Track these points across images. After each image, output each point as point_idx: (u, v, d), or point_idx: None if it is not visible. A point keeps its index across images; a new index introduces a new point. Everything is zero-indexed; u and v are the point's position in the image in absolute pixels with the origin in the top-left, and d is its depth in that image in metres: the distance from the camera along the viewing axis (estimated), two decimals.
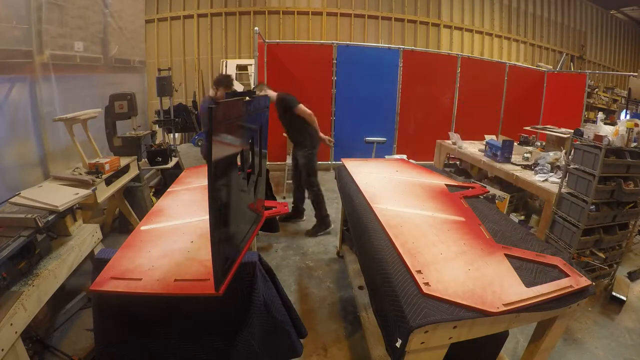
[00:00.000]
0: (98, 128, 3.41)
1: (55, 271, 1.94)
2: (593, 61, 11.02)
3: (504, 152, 3.78)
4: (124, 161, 3.27)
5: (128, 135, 3.64)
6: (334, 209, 4.48)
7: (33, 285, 1.75)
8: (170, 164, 4.04)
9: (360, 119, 6.23)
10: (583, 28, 10.80)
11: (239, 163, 1.66)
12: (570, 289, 1.34)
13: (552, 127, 4.91)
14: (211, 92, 3.53)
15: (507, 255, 1.54)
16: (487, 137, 4.30)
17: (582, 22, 10.78)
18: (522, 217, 3.95)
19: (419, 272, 1.39)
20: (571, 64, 10.66)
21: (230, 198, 1.44)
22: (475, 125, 6.44)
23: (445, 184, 2.49)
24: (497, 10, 9.73)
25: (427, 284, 1.31)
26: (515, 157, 3.85)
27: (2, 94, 2.50)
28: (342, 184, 2.70)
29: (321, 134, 3.85)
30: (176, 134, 6.31)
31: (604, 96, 8.76)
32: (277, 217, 3.12)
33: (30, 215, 1.94)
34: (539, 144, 4.88)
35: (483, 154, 4.12)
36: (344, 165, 2.90)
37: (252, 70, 7.56)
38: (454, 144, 4.71)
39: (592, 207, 2.59)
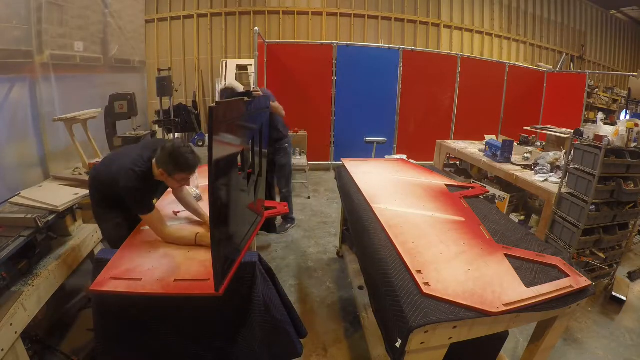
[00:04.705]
0: (98, 128, 3.41)
1: (55, 271, 1.94)
2: (593, 61, 11.01)
3: (504, 152, 3.78)
4: None
5: (128, 135, 3.64)
6: (334, 209, 4.48)
7: (33, 286, 1.75)
8: None
9: (360, 119, 6.23)
10: (583, 28, 10.80)
11: (239, 163, 1.66)
12: (570, 289, 1.34)
13: (552, 127, 4.90)
14: None
15: (507, 255, 1.54)
16: (487, 137, 4.30)
17: (582, 22, 10.77)
18: (522, 217, 3.95)
19: (419, 272, 1.39)
20: (571, 64, 10.65)
21: (231, 198, 1.44)
22: (475, 125, 6.44)
23: (445, 184, 2.49)
24: (497, 10, 9.72)
25: (427, 284, 1.31)
26: (515, 157, 3.85)
27: (2, 94, 2.50)
28: (342, 184, 2.70)
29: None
30: (176, 134, 6.31)
31: (604, 96, 8.75)
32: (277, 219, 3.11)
33: (30, 215, 1.94)
34: (539, 144, 4.88)
35: (483, 154, 4.12)
36: (344, 165, 2.90)
37: (252, 70, 7.56)
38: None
39: (592, 207, 2.59)
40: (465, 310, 1.21)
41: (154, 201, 2.03)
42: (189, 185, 1.94)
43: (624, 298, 2.76)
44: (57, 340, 2.19)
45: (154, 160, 1.76)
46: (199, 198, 2.25)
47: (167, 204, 2.20)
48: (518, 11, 9.94)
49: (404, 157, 4.03)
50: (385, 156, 4.13)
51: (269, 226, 3.02)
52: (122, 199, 1.75)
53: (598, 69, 10.87)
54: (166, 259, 1.56)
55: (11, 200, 2.14)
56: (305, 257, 3.39)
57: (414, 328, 1.14)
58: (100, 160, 2.15)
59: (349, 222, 2.41)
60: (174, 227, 1.80)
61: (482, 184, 4.01)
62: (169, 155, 1.68)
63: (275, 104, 3.38)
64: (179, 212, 2.09)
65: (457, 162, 5.02)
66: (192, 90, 8.49)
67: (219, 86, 7.98)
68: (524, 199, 4.08)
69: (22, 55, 2.72)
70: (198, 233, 1.69)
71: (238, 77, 8.15)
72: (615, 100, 8.70)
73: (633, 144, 2.49)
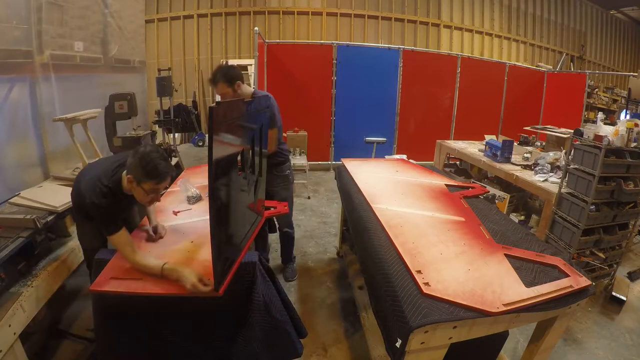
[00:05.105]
0: (98, 128, 3.40)
1: (54, 272, 1.93)
2: (593, 61, 11.01)
3: (504, 152, 3.78)
4: None
5: (128, 135, 3.63)
6: (334, 209, 4.48)
7: (32, 286, 1.75)
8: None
9: (360, 119, 6.23)
10: (583, 28, 10.80)
11: (239, 163, 1.66)
12: (570, 289, 1.34)
13: (552, 127, 4.90)
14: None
15: (507, 255, 1.54)
16: (487, 137, 4.30)
17: (582, 22, 10.77)
18: (522, 217, 3.95)
19: (419, 272, 1.39)
20: (571, 64, 10.66)
21: (231, 198, 1.44)
22: (475, 125, 6.44)
23: (445, 184, 2.49)
24: (497, 10, 9.72)
25: (427, 284, 1.31)
26: (515, 157, 3.85)
27: (2, 94, 2.50)
28: (342, 184, 2.70)
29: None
30: (176, 134, 6.31)
31: (604, 96, 8.75)
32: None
33: (30, 215, 1.93)
34: (539, 144, 4.87)
35: (483, 154, 4.12)
36: (344, 165, 2.90)
37: (252, 70, 7.56)
38: None
39: (592, 207, 2.59)
40: (465, 310, 1.21)
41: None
42: (158, 200, 1.72)
43: (624, 298, 2.76)
44: (57, 341, 2.19)
45: (124, 172, 1.62)
46: (198, 198, 2.25)
47: (167, 204, 2.20)
48: (518, 11, 9.95)
49: (404, 157, 4.03)
50: (385, 156, 4.12)
51: (268, 226, 3.01)
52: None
53: (598, 69, 10.87)
54: (166, 259, 1.56)
55: (11, 200, 2.14)
56: (305, 257, 3.39)
57: (414, 328, 1.14)
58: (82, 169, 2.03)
59: (349, 222, 2.41)
60: (140, 254, 1.56)
61: (482, 184, 4.01)
62: (139, 160, 1.53)
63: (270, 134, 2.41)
64: (178, 211, 2.09)
65: (457, 162, 5.02)
66: (192, 90, 8.49)
67: None
68: (524, 199, 4.08)
69: (22, 55, 2.72)
70: (165, 264, 1.46)
71: None
72: (615, 100, 8.71)
73: (633, 144, 2.49)
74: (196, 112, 7.95)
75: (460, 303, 1.22)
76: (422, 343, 1.19)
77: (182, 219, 2.01)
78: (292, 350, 1.68)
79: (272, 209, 2.23)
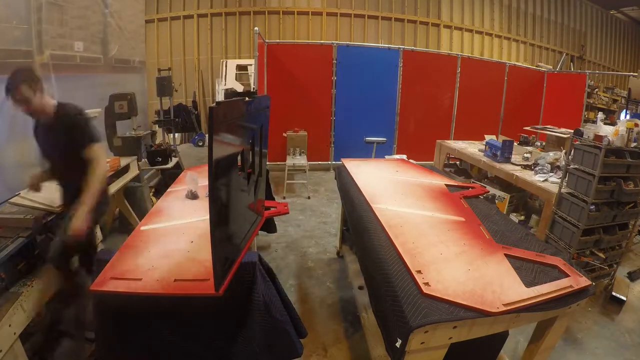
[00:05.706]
0: (98, 128, 3.41)
1: (54, 272, 1.93)
2: (593, 61, 11.02)
3: (504, 152, 3.77)
4: (124, 161, 3.27)
5: (128, 135, 3.64)
6: (334, 209, 4.48)
7: (32, 286, 1.75)
8: (170, 164, 4.04)
9: (360, 119, 6.23)
10: (583, 28, 10.80)
11: (239, 163, 1.66)
12: (570, 289, 1.34)
13: (552, 127, 4.90)
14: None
15: (507, 255, 1.54)
16: (487, 137, 4.30)
17: (582, 22, 10.78)
18: (522, 217, 3.95)
19: (419, 272, 1.39)
20: (571, 64, 10.66)
21: (231, 198, 1.44)
22: (475, 125, 6.44)
23: (445, 184, 2.49)
24: (497, 10, 9.73)
25: (427, 284, 1.31)
26: (515, 157, 3.85)
27: (2, 94, 2.50)
28: (342, 184, 2.70)
29: None
30: (176, 134, 6.30)
31: (604, 96, 8.75)
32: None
33: (30, 215, 1.93)
34: (539, 144, 4.87)
35: (483, 154, 4.12)
36: (344, 165, 2.90)
37: (252, 70, 7.56)
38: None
39: (592, 207, 2.59)
40: (465, 310, 1.21)
41: None
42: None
43: (624, 298, 2.76)
44: (57, 341, 2.18)
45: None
46: (195, 196, 2.25)
47: (166, 204, 2.20)
48: (518, 11, 9.95)
49: (404, 157, 4.03)
50: (385, 156, 4.13)
51: (269, 226, 3.01)
52: None
53: (598, 69, 10.88)
54: (166, 259, 1.56)
55: (11, 200, 2.14)
56: (305, 257, 3.39)
57: (414, 328, 1.14)
58: None
59: (349, 222, 2.41)
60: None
61: (482, 184, 4.01)
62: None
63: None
64: (178, 212, 2.09)
65: (457, 162, 5.02)
66: (192, 90, 8.49)
67: (219, 86, 7.98)
68: (524, 199, 4.08)
69: (22, 55, 2.73)
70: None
71: (238, 77, 8.15)
72: (615, 100, 8.70)
73: (633, 144, 2.49)
74: (196, 112, 7.95)
75: (460, 303, 1.22)
76: (422, 343, 1.19)
77: (182, 219, 2.01)
78: (292, 350, 1.68)
79: (272, 208, 2.23)
